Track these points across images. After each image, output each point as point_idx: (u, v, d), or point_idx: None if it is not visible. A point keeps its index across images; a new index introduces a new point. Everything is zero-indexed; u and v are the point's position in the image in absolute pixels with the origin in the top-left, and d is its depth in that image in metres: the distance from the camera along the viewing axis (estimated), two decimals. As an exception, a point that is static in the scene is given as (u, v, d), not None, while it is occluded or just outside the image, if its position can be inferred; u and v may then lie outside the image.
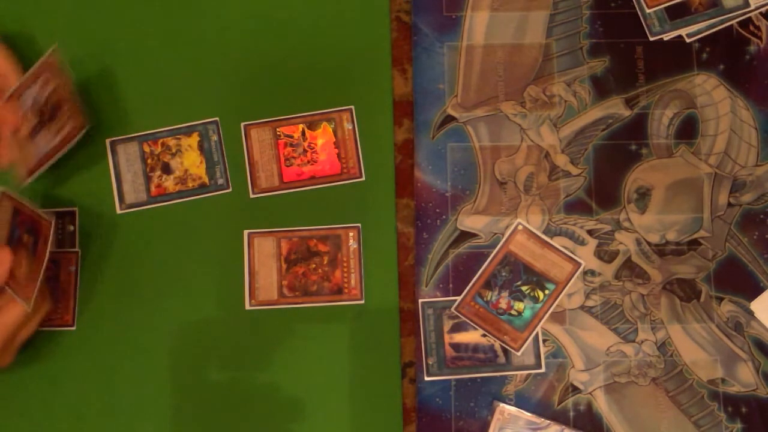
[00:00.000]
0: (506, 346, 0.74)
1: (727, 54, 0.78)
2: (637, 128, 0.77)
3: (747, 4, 0.78)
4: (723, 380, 0.74)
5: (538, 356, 0.74)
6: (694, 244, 0.76)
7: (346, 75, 0.78)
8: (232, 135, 0.77)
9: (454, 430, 0.74)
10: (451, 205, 0.77)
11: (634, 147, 0.77)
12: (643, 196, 0.77)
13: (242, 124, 0.77)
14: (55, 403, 0.74)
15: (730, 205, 0.76)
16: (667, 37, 0.78)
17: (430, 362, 0.74)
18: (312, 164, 0.77)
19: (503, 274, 0.75)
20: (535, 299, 0.75)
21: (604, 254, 0.76)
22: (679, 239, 0.76)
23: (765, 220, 0.76)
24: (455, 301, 0.75)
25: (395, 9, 0.79)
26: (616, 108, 0.78)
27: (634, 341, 0.75)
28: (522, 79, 0.78)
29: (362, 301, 0.75)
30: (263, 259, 0.75)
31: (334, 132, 0.77)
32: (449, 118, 0.78)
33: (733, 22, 0.78)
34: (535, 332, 0.74)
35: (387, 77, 0.78)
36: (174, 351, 0.74)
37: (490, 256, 0.76)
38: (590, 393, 0.74)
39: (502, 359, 0.74)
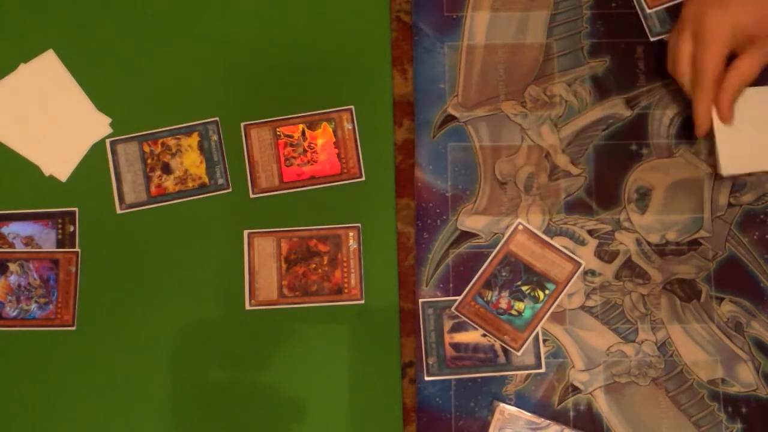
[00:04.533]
0: (506, 346, 0.74)
1: (728, 54, 0.78)
2: (637, 128, 0.77)
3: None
4: (723, 380, 0.74)
5: (538, 356, 0.74)
6: (694, 244, 0.76)
7: (346, 75, 0.78)
8: (232, 135, 0.77)
9: (454, 430, 0.74)
10: (452, 205, 0.77)
11: (634, 147, 0.77)
12: (644, 196, 0.77)
13: (242, 124, 0.77)
14: (56, 402, 0.74)
15: (730, 205, 0.76)
16: (667, 37, 0.78)
17: (430, 362, 0.74)
18: (312, 164, 0.77)
19: (503, 274, 0.75)
20: (536, 299, 0.75)
21: (605, 254, 0.76)
22: (679, 239, 0.76)
23: (765, 220, 0.76)
24: (455, 301, 0.75)
25: (395, 9, 0.79)
26: (617, 108, 0.78)
27: (634, 341, 0.75)
28: (523, 79, 0.78)
29: (362, 301, 0.75)
30: (263, 259, 0.75)
31: (334, 132, 0.77)
32: (450, 118, 0.78)
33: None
34: (535, 332, 0.74)
35: (387, 77, 0.78)
36: (174, 351, 0.74)
37: (491, 256, 0.76)
38: (590, 393, 0.74)
39: (502, 359, 0.74)
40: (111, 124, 0.77)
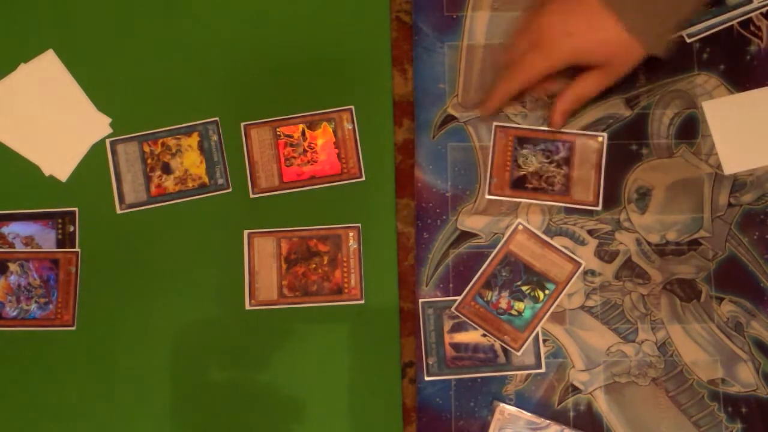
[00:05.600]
0: (506, 346, 0.74)
1: (728, 54, 0.78)
2: (637, 128, 0.77)
3: (750, 1, 0.78)
4: (723, 380, 0.74)
5: (538, 356, 0.74)
6: (694, 244, 0.76)
7: (346, 75, 0.78)
8: (232, 135, 0.77)
9: (454, 430, 0.74)
10: (452, 205, 0.77)
11: (634, 147, 0.77)
12: (644, 196, 0.77)
13: (242, 124, 0.77)
14: (56, 402, 0.74)
15: (730, 205, 0.76)
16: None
17: (430, 362, 0.74)
18: (312, 164, 0.77)
19: (503, 274, 0.75)
20: (536, 299, 0.75)
21: (605, 254, 0.76)
22: (679, 239, 0.76)
23: (765, 220, 0.76)
24: (455, 301, 0.75)
25: (395, 9, 0.79)
26: (617, 108, 0.78)
27: (634, 341, 0.75)
28: (522, 78, 0.78)
29: (362, 301, 0.75)
30: (263, 259, 0.75)
31: (334, 132, 0.77)
32: (450, 118, 0.78)
33: (734, 21, 0.78)
34: (535, 332, 0.74)
35: (387, 77, 0.78)
36: (174, 351, 0.74)
37: (491, 256, 0.76)
38: (590, 393, 0.74)
39: (502, 359, 0.74)
40: (111, 124, 0.77)
